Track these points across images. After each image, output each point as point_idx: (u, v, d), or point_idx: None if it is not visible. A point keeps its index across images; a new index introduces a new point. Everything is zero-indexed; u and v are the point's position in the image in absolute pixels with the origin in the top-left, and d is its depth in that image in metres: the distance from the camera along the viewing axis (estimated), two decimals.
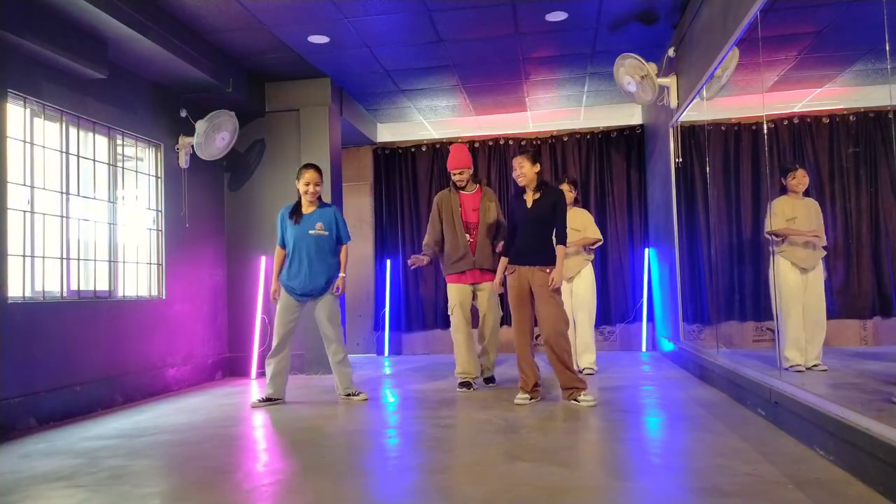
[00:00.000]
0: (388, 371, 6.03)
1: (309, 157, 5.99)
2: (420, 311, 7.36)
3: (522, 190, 4.16)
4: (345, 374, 4.40)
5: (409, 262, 4.84)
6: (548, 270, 3.97)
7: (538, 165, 4.10)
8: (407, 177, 7.56)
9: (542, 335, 3.99)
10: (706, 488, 2.26)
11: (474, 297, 4.77)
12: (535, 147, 7.32)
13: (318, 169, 4.35)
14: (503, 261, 4.20)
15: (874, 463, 2.17)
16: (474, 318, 4.78)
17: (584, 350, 5.31)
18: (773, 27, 3.34)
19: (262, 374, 5.70)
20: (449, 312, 4.76)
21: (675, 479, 2.42)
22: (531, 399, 4.02)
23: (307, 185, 4.28)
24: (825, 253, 4.24)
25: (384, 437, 3.31)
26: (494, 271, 4.53)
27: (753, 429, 3.11)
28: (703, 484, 2.31)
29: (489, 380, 4.82)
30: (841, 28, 3.35)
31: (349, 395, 4.39)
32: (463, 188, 4.78)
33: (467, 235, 4.70)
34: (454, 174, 4.74)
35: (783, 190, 4.33)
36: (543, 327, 3.97)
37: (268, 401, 4.32)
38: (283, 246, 4.37)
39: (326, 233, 4.29)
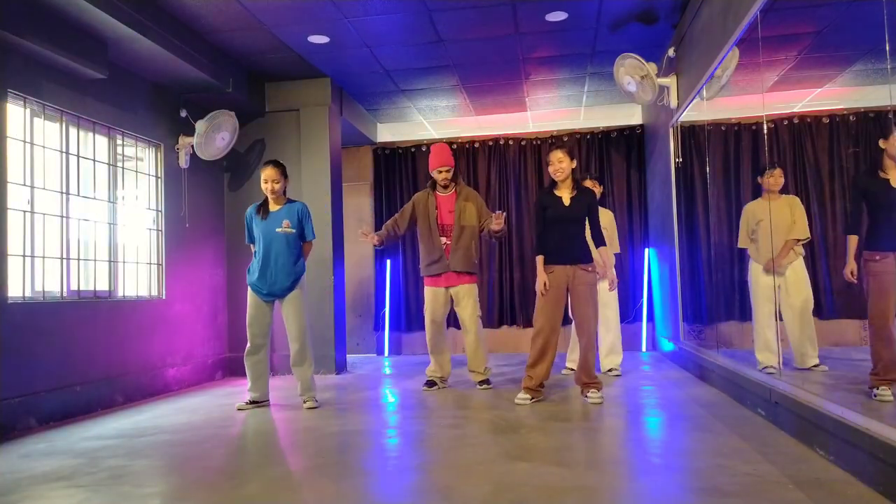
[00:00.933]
0: (388, 371, 6.03)
1: (309, 157, 5.99)
2: (420, 311, 7.33)
3: (552, 187, 4.09)
4: (301, 376, 4.21)
5: (361, 231, 4.75)
6: (589, 269, 3.99)
7: (574, 162, 4.07)
8: (407, 177, 7.56)
9: (581, 335, 4.02)
10: (706, 488, 2.26)
11: (453, 301, 4.73)
12: (536, 145, 7.33)
13: (276, 165, 4.20)
14: (540, 259, 4.06)
15: (874, 463, 2.17)
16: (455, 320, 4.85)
17: (611, 351, 5.23)
18: (773, 27, 3.34)
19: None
20: (424, 313, 4.78)
21: (675, 479, 2.42)
22: (532, 399, 4.01)
23: (265, 182, 4.15)
24: (802, 253, 4.20)
25: (384, 437, 3.31)
26: (470, 273, 4.64)
27: (753, 429, 3.11)
28: (703, 484, 2.31)
29: (483, 383, 4.70)
30: (841, 28, 3.35)
31: (303, 399, 4.23)
32: (445, 188, 4.73)
33: (443, 238, 4.66)
34: (440, 172, 4.66)
35: (759, 191, 4.39)
36: (582, 327, 4.00)
37: (253, 403, 4.26)
38: (253, 243, 4.30)
39: (293, 231, 4.18)
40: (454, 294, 4.68)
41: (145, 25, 4.23)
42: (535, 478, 2.44)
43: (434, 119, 7.42)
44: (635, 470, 2.57)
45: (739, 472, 2.41)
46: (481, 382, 4.70)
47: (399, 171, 7.58)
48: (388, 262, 7.41)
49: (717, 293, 5.44)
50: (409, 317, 7.40)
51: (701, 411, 3.59)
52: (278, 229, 4.14)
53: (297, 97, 6.04)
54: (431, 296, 4.71)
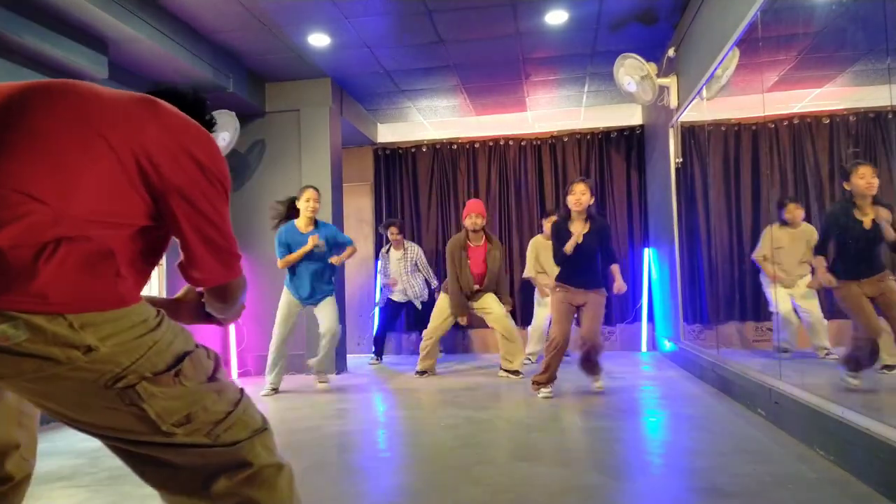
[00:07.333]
0: (387, 371, 6.02)
1: (309, 157, 5.99)
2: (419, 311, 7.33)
3: (566, 217, 4.24)
4: (322, 354, 4.80)
5: (462, 321, 5.48)
6: (601, 292, 4.21)
7: (593, 198, 4.24)
8: (407, 177, 7.55)
9: (586, 342, 4.16)
10: (706, 488, 2.26)
11: (474, 311, 5.45)
12: (536, 145, 7.33)
13: (314, 188, 4.80)
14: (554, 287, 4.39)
15: (874, 463, 2.17)
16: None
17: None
18: (773, 27, 3.34)
19: (243, 373, 5.98)
20: (437, 314, 5.44)
21: (676, 479, 2.42)
22: (551, 391, 4.24)
23: (307, 201, 4.67)
24: (807, 271, 4.44)
25: (384, 437, 3.31)
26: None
27: (753, 429, 3.11)
28: (703, 484, 2.31)
29: (515, 372, 5.19)
30: (841, 28, 3.35)
31: (318, 373, 4.94)
32: (475, 234, 5.37)
33: (476, 286, 5.33)
34: (473, 218, 5.31)
35: (780, 218, 4.71)
36: (587, 337, 4.15)
37: (274, 391, 4.77)
38: (282, 252, 4.73)
39: (326, 249, 4.73)
40: (484, 313, 5.35)
41: (145, 25, 4.24)
42: (535, 478, 2.45)
43: (434, 119, 7.42)
44: (635, 470, 2.57)
45: (739, 472, 2.41)
46: (514, 372, 5.17)
47: (400, 171, 7.58)
48: (379, 263, 7.37)
49: (717, 293, 5.44)
50: (408, 317, 7.39)
51: (701, 411, 3.59)
52: (317, 249, 4.66)
53: (297, 97, 6.04)
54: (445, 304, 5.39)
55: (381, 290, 6.78)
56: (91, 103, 1.11)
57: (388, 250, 6.66)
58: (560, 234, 4.23)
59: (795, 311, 4.61)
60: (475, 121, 7.45)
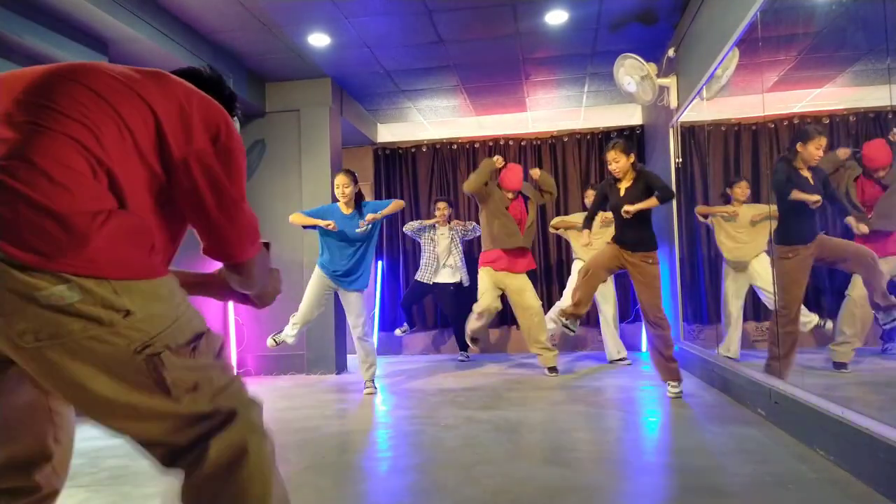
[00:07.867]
0: (388, 371, 6.03)
1: (309, 157, 5.99)
2: (421, 310, 7.34)
3: (616, 178, 4.28)
4: (363, 363, 4.70)
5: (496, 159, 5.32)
6: (650, 260, 4.05)
7: (632, 156, 4.22)
8: (407, 177, 7.55)
9: (648, 317, 4.07)
10: (706, 488, 2.26)
11: (509, 294, 5.28)
12: (536, 145, 7.33)
13: (346, 172, 4.69)
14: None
15: (874, 463, 2.17)
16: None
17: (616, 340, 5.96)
18: (773, 27, 3.34)
19: (243, 374, 5.96)
20: (479, 295, 5.32)
21: (675, 479, 2.42)
22: (567, 322, 4.25)
23: (337, 188, 4.64)
24: (762, 249, 4.46)
25: (384, 437, 3.31)
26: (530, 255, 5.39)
27: (753, 429, 3.11)
28: (703, 484, 2.31)
29: (553, 369, 5.15)
30: (841, 28, 3.35)
31: (367, 383, 4.71)
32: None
33: (521, 235, 5.25)
34: (508, 193, 5.29)
35: (727, 200, 4.87)
36: (648, 315, 4.06)
37: (280, 342, 4.82)
38: (310, 216, 4.64)
39: (368, 228, 4.63)
40: (508, 284, 5.23)
41: (145, 25, 4.24)
42: (535, 478, 2.45)
43: (434, 119, 7.41)
44: (635, 470, 2.57)
45: (739, 472, 2.41)
46: (551, 369, 5.15)
47: (400, 171, 7.57)
48: (381, 263, 7.38)
49: (716, 293, 5.43)
50: (409, 317, 7.38)
51: (701, 411, 3.60)
52: (357, 230, 4.58)
53: (297, 97, 6.04)
54: (488, 278, 5.26)
55: (423, 267, 6.44)
56: (106, 82, 1.17)
57: (433, 225, 6.44)
58: (605, 190, 4.30)
59: (760, 298, 4.65)
60: (475, 121, 7.45)
